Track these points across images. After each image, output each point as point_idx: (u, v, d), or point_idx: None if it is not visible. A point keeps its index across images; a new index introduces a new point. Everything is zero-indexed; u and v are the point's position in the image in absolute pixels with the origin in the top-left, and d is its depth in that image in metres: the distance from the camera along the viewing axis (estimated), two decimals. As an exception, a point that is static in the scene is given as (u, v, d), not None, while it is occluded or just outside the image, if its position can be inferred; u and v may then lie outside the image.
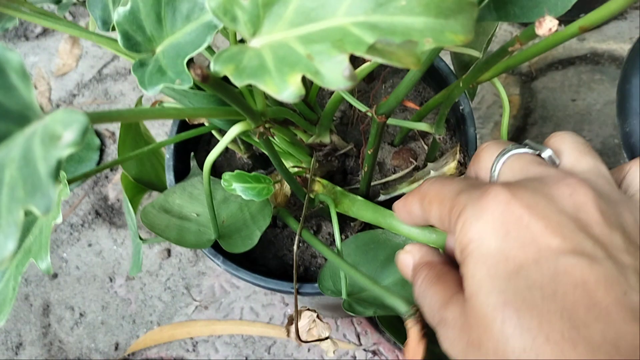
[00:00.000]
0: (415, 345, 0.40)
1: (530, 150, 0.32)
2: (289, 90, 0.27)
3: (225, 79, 0.28)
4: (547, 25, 0.30)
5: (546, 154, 0.31)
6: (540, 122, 0.85)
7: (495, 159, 0.32)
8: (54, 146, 0.22)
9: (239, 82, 0.28)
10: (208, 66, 0.29)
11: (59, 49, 1.04)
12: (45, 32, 1.06)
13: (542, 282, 0.25)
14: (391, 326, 0.46)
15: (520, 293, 0.25)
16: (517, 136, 0.84)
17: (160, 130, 0.91)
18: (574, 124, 0.84)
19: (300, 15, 0.29)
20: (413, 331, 0.40)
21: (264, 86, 0.28)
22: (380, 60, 0.27)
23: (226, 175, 0.47)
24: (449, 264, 0.34)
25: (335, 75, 0.27)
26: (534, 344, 0.24)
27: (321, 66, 0.27)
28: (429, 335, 0.42)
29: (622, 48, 0.87)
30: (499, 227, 0.27)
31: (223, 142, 0.40)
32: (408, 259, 0.36)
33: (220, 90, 0.30)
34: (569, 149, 0.31)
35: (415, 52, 0.27)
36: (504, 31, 0.93)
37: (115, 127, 0.93)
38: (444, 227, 0.32)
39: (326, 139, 0.57)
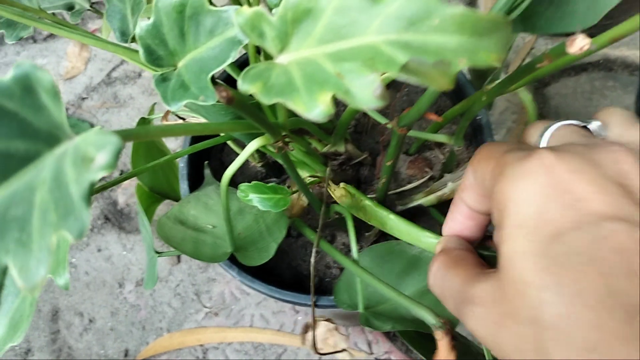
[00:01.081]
0: (445, 357, 0.39)
1: (577, 122, 0.32)
2: (318, 109, 0.27)
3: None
4: (579, 44, 0.29)
5: (593, 125, 0.31)
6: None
7: (541, 132, 0.32)
8: (87, 169, 0.22)
9: (267, 100, 0.27)
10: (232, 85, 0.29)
11: (68, 51, 1.03)
12: (53, 34, 1.06)
13: (581, 247, 0.24)
14: (412, 340, 0.46)
15: (558, 258, 0.24)
16: (529, 143, 0.84)
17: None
18: (586, 132, 0.83)
19: (330, 32, 0.29)
20: (443, 343, 0.40)
21: (293, 104, 0.27)
22: (413, 81, 0.27)
23: (243, 186, 0.47)
24: (470, 250, 0.34)
25: (366, 95, 0.27)
26: (570, 310, 0.23)
27: (351, 85, 0.27)
28: (459, 347, 0.42)
29: (635, 55, 0.86)
30: (540, 189, 0.26)
31: (241, 157, 0.40)
32: (438, 249, 0.36)
33: (244, 111, 0.29)
34: (616, 121, 0.31)
35: (449, 73, 0.27)
36: (517, 36, 0.92)
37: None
38: (485, 188, 0.30)
39: (341, 148, 0.56)
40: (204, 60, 0.33)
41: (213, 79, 0.40)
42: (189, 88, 0.33)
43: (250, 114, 0.31)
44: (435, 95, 0.40)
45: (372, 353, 0.74)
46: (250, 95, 0.28)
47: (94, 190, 0.42)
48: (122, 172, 0.91)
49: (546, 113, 0.85)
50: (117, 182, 0.42)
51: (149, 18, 0.35)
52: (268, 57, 0.30)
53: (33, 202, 0.23)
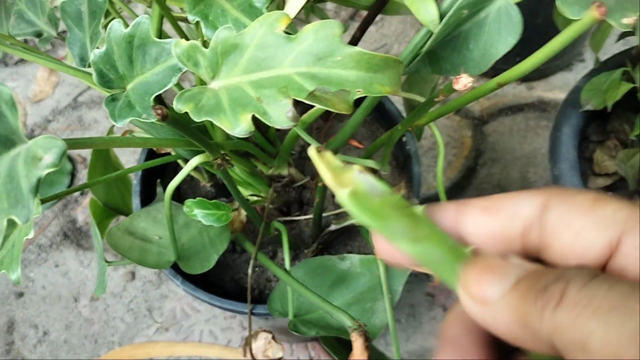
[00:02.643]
0: (359, 355, 0.44)
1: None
2: (240, 127, 0.32)
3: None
4: (463, 82, 0.35)
5: None
6: (490, 163, 0.91)
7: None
8: (35, 166, 0.27)
9: (197, 118, 0.33)
10: (170, 105, 0.34)
11: (37, 76, 1.08)
12: (24, 60, 1.10)
13: None
14: (332, 347, 0.50)
15: None
16: (468, 175, 0.90)
17: (131, 158, 0.95)
18: (520, 166, 0.90)
19: (253, 63, 0.34)
20: (357, 344, 0.45)
21: (219, 123, 0.33)
22: (317, 105, 0.32)
23: (188, 201, 0.52)
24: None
25: (280, 116, 0.32)
26: None
27: (268, 108, 0.32)
28: (373, 356, 0.46)
29: (567, 98, 0.94)
30: None
31: (184, 171, 0.44)
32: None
33: (178, 127, 0.34)
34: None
35: (347, 100, 0.32)
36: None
37: (87, 152, 0.97)
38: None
39: (284, 171, 0.61)
40: (149, 84, 0.38)
41: (160, 99, 0.45)
42: (134, 107, 0.38)
43: (185, 130, 0.36)
44: (357, 126, 0.46)
45: (313, 368, 0.79)
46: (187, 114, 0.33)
47: (49, 198, 0.46)
48: (82, 192, 0.95)
49: (484, 148, 0.92)
50: (71, 191, 0.46)
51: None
52: (203, 82, 0.35)
53: (-11, 193, 0.27)
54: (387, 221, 0.22)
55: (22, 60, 1.10)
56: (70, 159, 0.97)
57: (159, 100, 0.45)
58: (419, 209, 0.23)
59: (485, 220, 0.23)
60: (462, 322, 0.23)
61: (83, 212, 0.93)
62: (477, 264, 0.21)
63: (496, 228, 0.23)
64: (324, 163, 0.23)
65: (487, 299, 0.20)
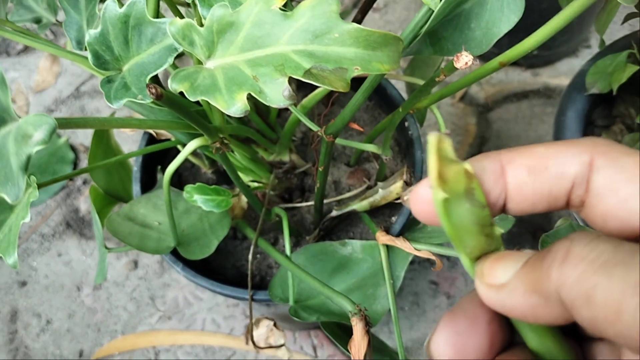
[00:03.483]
0: (360, 339, 0.44)
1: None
2: (236, 106, 0.32)
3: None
4: (464, 60, 0.34)
5: None
6: (495, 150, 0.90)
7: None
8: (26, 144, 0.26)
9: (192, 98, 0.32)
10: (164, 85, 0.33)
11: (39, 65, 1.07)
12: (26, 49, 1.10)
13: None
14: (333, 332, 0.50)
15: None
16: (472, 163, 0.89)
17: (134, 147, 0.95)
18: (525, 154, 0.89)
19: (249, 42, 0.33)
20: (358, 328, 0.44)
21: (215, 102, 0.32)
22: (314, 83, 0.32)
23: (188, 187, 0.51)
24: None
25: (276, 94, 0.32)
26: None
27: (265, 86, 0.32)
28: (375, 343, 0.46)
29: (573, 84, 0.93)
30: None
31: (182, 154, 0.44)
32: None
33: (173, 107, 0.34)
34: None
35: (345, 78, 0.31)
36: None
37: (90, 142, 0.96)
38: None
39: (285, 157, 0.61)
40: (144, 64, 0.37)
41: (157, 79, 0.44)
42: (130, 88, 0.37)
43: (181, 111, 0.36)
44: (357, 108, 0.45)
45: (316, 356, 0.78)
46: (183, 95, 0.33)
47: (47, 182, 0.46)
48: (85, 181, 0.95)
49: (489, 136, 0.91)
50: (67, 176, 0.46)
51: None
52: (199, 62, 0.35)
53: (-21, 171, 0.27)
54: (466, 239, 0.22)
55: (24, 50, 1.10)
56: (73, 149, 0.97)
57: (157, 83, 0.45)
58: (500, 231, 0.23)
59: (531, 180, 0.23)
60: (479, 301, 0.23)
61: (85, 201, 0.93)
62: (490, 257, 0.23)
63: (543, 189, 0.23)
64: (437, 150, 0.22)
65: (500, 281, 0.21)
